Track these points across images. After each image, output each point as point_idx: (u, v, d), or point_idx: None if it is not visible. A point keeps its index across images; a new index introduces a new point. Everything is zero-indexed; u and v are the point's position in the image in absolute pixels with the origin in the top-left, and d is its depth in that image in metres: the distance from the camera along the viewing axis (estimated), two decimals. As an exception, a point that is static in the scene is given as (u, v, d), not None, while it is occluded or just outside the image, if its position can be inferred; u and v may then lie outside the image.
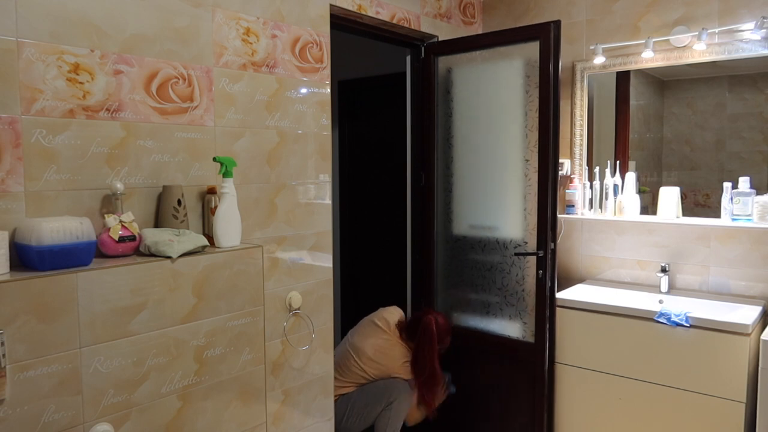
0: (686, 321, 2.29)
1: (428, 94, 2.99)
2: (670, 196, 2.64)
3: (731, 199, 2.45)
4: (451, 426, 2.85)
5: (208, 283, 1.81)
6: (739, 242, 2.56)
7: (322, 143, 2.45)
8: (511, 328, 2.81)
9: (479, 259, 2.90)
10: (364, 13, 2.58)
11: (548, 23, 2.57)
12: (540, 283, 2.65)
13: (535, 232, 2.69)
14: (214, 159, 1.98)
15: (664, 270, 2.67)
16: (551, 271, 2.64)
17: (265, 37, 2.20)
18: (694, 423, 2.30)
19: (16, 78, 1.57)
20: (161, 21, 1.89)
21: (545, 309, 2.63)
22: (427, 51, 2.98)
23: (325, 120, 2.45)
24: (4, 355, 1.39)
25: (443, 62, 2.97)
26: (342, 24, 2.57)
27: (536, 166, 2.66)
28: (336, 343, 2.66)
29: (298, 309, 2.36)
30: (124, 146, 1.81)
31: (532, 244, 2.72)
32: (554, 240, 2.64)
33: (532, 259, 2.70)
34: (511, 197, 2.79)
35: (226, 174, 1.96)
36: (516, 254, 2.76)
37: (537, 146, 2.65)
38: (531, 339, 2.71)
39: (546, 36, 2.57)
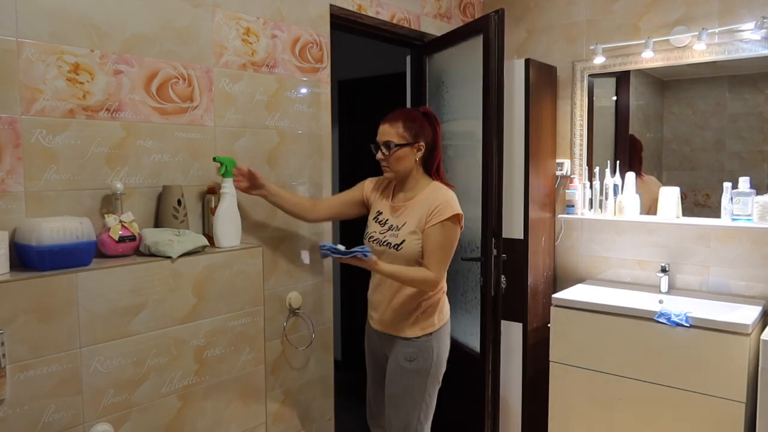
0: (686, 321, 2.29)
1: (421, 94, 2.97)
2: (670, 196, 2.64)
3: (731, 199, 2.45)
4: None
5: (208, 283, 1.81)
6: (739, 242, 2.56)
7: (322, 143, 2.45)
8: (469, 334, 2.68)
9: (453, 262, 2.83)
10: (364, 13, 2.58)
11: (490, 15, 2.42)
12: (482, 291, 2.46)
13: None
14: (214, 159, 1.98)
15: (664, 270, 2.67)
16: (496, 279, 2.44)
17: (265, 37, 2.20)
18: (694, 423, 2.30)
19: (16, 78, 1.57)
20: (161, 21, 1.89)
21: (487, 320, 2.45)
22: (419, 51, 2.97)
23: (325, 120, 2.45)
24: (4, 355, 1.39)
25: (436, 62, 2.95)
26: (342, 24, 2.57)
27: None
28: (336, 343, 2.66)
29: (298, 309, 2.36)
30: (124, 146, 1.81)
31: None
32: (498, 246, 2.44)
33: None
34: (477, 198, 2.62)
35: (226, 174, 1.96)
36: (462, 259, 2.63)
37: (481, 141, 2.48)
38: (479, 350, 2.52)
39: (487, 29, 2.43)
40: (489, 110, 2.44)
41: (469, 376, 2.56)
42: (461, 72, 2.78)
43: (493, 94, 2.42)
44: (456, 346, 2.64)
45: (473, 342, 2.62)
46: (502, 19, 2.41)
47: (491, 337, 2.48)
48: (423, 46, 2.98)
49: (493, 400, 2.52)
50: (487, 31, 2.43)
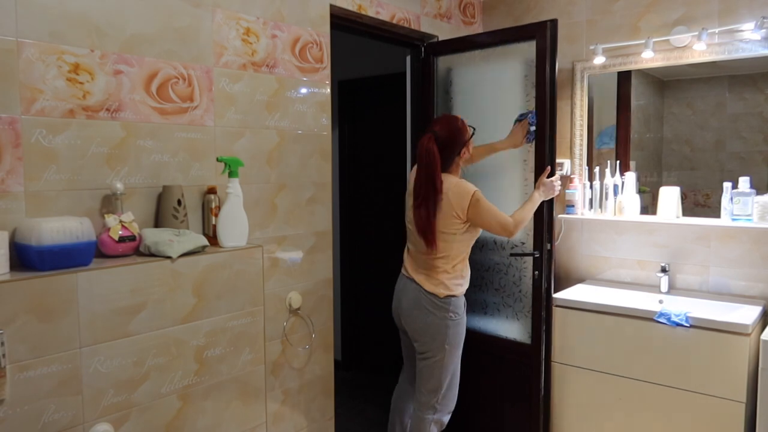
0: (686, 321, 2.29)
1: (426, 95, 2.98)
2: (670, 196, 2.63)
3: (731, 199, 2.45)
4: (448, 426, 2.79)
5: (208, 283, 1.81)
6: (739, 242, 2.56)
7: (322, 143, 2.45)
8: (508, 328, 2.79)
9: (477, 259, 2.89)
10: (364, 13, 2.58)
11: (545, 22, 2.54)
12: (536, 284, 2.61)
13: (532, 233, 2.67)
14: (218, 159, 1.98)
15: (664, 270, 2.67)
16: (548, 272, 2.59)
17: (265, 37, 2.20)
18: (694, 423, 2.30)
19: (16, 78, 1.58)
20: (161, 21, 1.89)
21: (541, 310, 2.59)
22: (426, 51, 2.98)
23: (325, 120, 2.46)
24: (4, 355, 1.39)
25: (443, 62, 2.96)
26: (342, 24, 2.57)
27: (533, 166, 2.63)
28: (336, 343, 2.66)
29: (298, 309, 2.36)
30: (124, 146, 1.81)
31: (529, 245, 2.70)
32: (550, 241, 2.62)
33: (529, 260, 2.69)
34: (510, 198, 2.76)
35: (232, 174, 1.96)
36: (512, 255, 2.73)
37: (534, 147, 2.62)
38: (527, 340, 2.69)
39: (542, 35, 2.53)
40: (543, 117, 2.56)
41: (519, 368, 2.70)
42: (477, 76, 2.85)
43: (547, 105, 2.54)
44: (500, 343, 2.80)
45: (518, 335, 2.76)
46: (556, 27, 2.54)
47: (545, 328, 2.62)
48: (429, 47, 2.97)
49: (546, 387, 2.64)
50: (544, 39, 2.53)
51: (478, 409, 2.86)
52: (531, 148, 2.65)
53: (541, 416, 2.64)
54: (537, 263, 2.62)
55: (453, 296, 2.27)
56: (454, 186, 2.24)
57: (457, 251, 2.29)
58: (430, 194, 2.22)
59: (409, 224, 2.36)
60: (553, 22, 2.53)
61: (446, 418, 2.36)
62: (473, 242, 2.36)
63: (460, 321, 2.30)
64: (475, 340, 2.84)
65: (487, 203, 2.26)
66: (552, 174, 2.51)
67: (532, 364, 2.65)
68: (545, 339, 2.62)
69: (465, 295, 2.36)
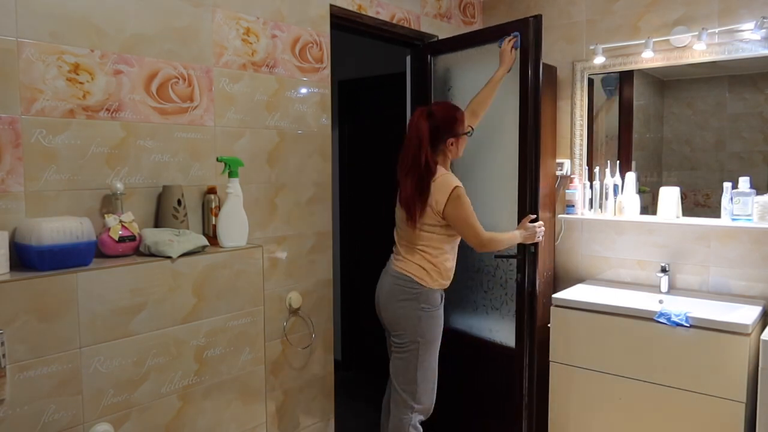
0: (686, 321, 2.29)
1: (424, 95, 2.97)
2: (670, 196, 2.64)
3: (731, 199, 2.45)
4: (437, 426, 2.70)
5: (208, 283, 1.81)
6: (739, 242, 2.56)
7: (322, 143, 2.45)
8: (496, 331, 2.73)
9: (467, 260, 2.84)
10: (364, 13, 2.58)
11: (527, 18, 2.46)
12: (519, 287, 2.54)
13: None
14: (218, 159, 1.98)
15: (664, 270, 2.67)
16: (532, 275, 2.50)
17: (265, 37, 2.20)
18: (694, 423, 2.30)
19: (16, 78, 1.58)
20: (161, 21, 1.89)
21: (524, 314, 2.52)
22: (423, 51, 2.96)
23: (325, 120, 2.46)
24: (4, 355, 1.39)
25: (441, 62, 2.95)
26: (342, 24, 2.57)
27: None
28: (336, 343, 2.66)
29: (298, 309, 2.36)
30: (124, 146, 1.81)
31: (515, 247, 2.57)
32: (534, 243, 2.50)
33: (516, 262, 2.60)
34: (503, 198, 2.70)
35: (232, 174, 1.97)
36: (496, 257, 2.67)
37: (517, 146, 2.54)
38: (512, 344, 2.60)
39: (526, 32, 2.47)
40: (525, 115, 2.49)
41: (504, 371, 2.62)
42: (475, 75, 2.79)
43: (530, 97, 2.47)
44: (488, 346, 2.74)
45: (503, 338, 2.68)
46: (540, 23, 2.45)
47: (528, 331, 2.53)
48: (426, 47, 2.96)
49: (529, 392, 2.57)
50: (527, 35, 2.45)
51: (466, 412, 2.82)
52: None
53: (524, 422, 2.56)
54: (520, 266, 2.54)
55: (424, 287, 2.18)
56: (440, 177, 2.15)
57: (438, 245, 2.19)
58: (414, 169, 2.15)
59: (397, 219, 2.30)
60: (537, 18, 2.45)
61: (422, 417, 2.27)
62: (455, 245, 2.27)
63: (434, 314, 2.21)
64: (466, 342, 2.80)
65: (467, 205, 2.16)
66: (536, 220, 2.42)
67: (515, 367, 2.57)
68: (529, 343, 2.53)
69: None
